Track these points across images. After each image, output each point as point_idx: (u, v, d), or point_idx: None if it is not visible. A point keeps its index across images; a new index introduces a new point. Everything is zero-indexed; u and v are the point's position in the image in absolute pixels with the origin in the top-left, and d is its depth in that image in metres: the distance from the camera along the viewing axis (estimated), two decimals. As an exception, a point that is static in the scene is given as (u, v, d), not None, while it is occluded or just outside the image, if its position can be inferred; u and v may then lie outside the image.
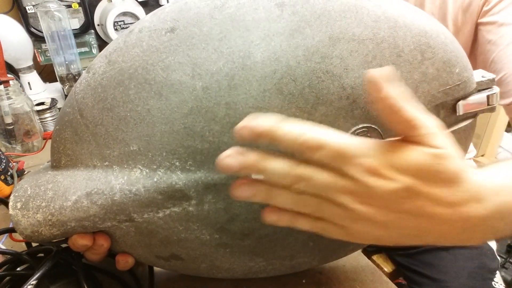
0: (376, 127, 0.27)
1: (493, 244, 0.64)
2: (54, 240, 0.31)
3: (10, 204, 0.30)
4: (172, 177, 0.27)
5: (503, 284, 0.59)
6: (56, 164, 0.32)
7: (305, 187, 0.23)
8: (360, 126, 0.27)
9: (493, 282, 0.59)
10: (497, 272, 0.60)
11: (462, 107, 0.29)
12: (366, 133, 0.27)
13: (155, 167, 0.27)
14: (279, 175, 0.23)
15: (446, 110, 0.29)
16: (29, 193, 0.30)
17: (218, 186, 0.27)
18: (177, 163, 0.27)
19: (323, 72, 0.26)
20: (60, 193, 0.29)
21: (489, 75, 0.31)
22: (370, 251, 0.76)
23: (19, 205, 0.30)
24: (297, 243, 0.31)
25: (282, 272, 0.35)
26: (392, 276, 0.73)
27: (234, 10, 0.27)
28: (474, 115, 0.31)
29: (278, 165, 0.23)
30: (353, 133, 0.27)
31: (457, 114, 0.29)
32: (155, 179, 0.27)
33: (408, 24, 0.28)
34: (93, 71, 0.30)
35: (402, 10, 0.29)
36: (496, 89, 0.31)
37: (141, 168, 0.28)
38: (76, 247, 0.30)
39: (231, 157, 0.23)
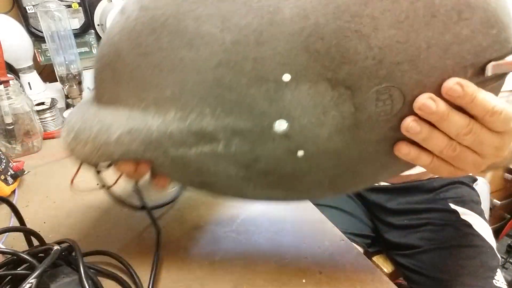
0: (398, 87, 0.26)
1: (493, 243, 0.64)
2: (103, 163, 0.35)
3: (63, 134, 0.33)
4: (203, 121, 0.29)
5: (504, 282, 0.59)
6: (99, 99, 0.34)
7: (469, 139, 0.28)
8: (384, 85, 0.26)
9: (494, 280, 0.59)
10: (498, 270, 0.60)
11: (491, 68, 0.27)
12: (388, 91, 0.26)
13: (188, 111, 0.30)
14: (457, 126, 0.28)
15: (474, 70, 0.27)
16: (78, 126, 0.33)
17: (244, 132, 0.29)
18: (207, 110, 0.29)
19: (351, 31, 0.25)
20: (104, 129, 0.32)
21: None
22: (370, 251, 0.76)
23: (72, 135, 0.33)
24: (314, 181, 0.33)
25: (299, 200, 0.39)
26: (392, 276, 0.73)
27: None
28: (502, 75, 0.29)
29: (459, 118, 0.28)
30: (376, 91, 0.26)
31: (485, 75, 0.28)
32: (187, 122, 0.30)
33: None
34: (127, 15, 0.31)
35: None
36: None
37: (175, 112, 0.30)
38: (120, 170, 0.34)
39: (427, 105, 0.27)
